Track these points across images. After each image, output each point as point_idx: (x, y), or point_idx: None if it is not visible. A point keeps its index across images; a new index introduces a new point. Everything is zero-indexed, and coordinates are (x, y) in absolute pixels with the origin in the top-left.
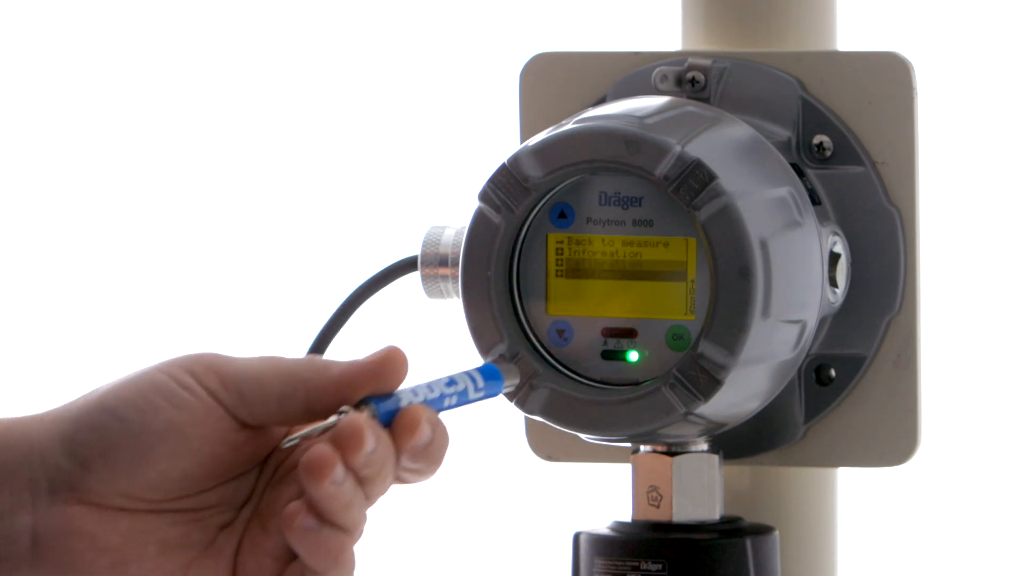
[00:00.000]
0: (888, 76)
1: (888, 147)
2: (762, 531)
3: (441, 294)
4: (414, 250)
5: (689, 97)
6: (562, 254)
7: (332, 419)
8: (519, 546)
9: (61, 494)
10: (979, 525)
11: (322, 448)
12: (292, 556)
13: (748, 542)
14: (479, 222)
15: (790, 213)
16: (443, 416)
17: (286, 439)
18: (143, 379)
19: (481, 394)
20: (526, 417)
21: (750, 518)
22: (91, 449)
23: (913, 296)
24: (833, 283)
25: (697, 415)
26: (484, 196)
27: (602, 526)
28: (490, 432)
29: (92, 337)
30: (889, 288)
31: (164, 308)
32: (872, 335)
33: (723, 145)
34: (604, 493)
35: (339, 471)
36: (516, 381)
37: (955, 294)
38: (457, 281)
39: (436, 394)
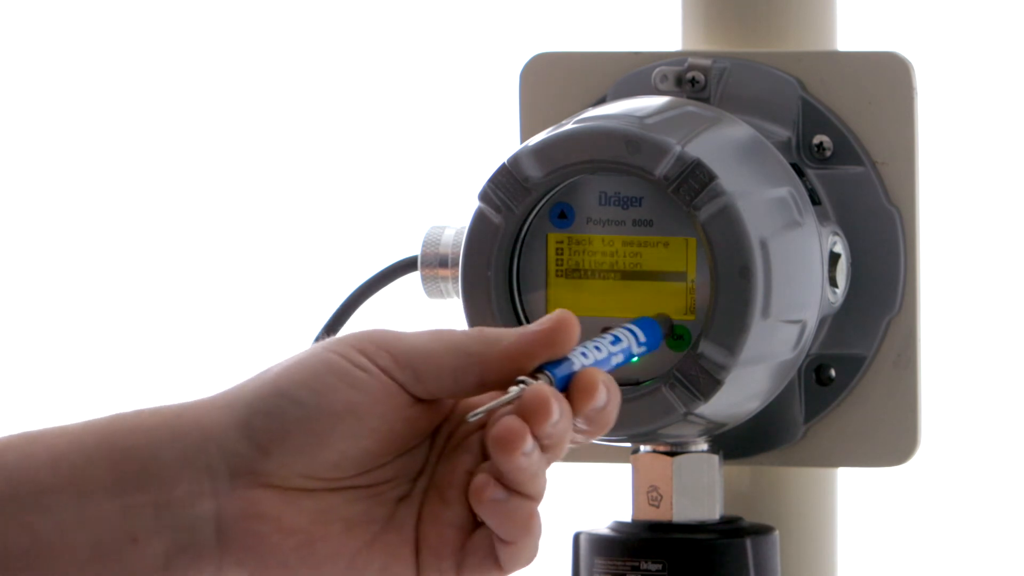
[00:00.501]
0: (888, 76)
1: (888, 147)
2: (762, 531)
3: (441, 294)
4: (414, 250)
5: (689, 97)
6: (562, 254)
7: (515, 391)
8: None
9: (242, 479)
10: (979, 525)
11: (511, 421)
12: (473, 526)
13: (748, 542)
14: (479, 222)
15: (790, 213)
16: None
17: (471, 414)
18: (316, 360)
19: (643, 349)
20: None
21: (750, 518)
22: (269, 434)
23: (913, 296)
24: (833, 283)
25: (697, 415)
26: (484, 196)
27: (602, 526)
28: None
29: (92, 337)
30: (889, 288)
31: (164, 308)
32: (872, 335)
33: (723, 145)
34: (604, 493)
35: (529, 443)
36: (671, 331)
37: (955, 294)
38: (457, 281)
39: (604, 354)
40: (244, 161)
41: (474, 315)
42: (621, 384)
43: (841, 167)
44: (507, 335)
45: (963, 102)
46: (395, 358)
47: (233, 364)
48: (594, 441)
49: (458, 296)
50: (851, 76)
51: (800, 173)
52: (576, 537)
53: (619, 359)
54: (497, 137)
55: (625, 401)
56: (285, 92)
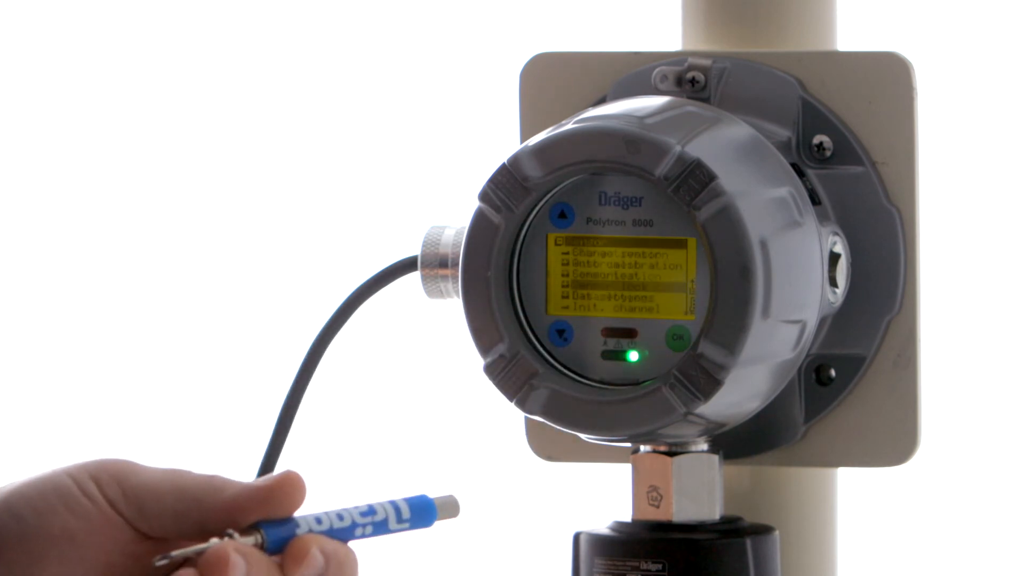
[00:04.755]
0: (888, 76)
1: (888, 147)
2: (762, 531)
3: (441, 294)
4: (414, 250)
5: (689, 97)
6: (562, 254)
7: (210, 543)
8: (519, 546)
9: None
10: (979, 525)
11: (185, 574)
12: None
13: (748, 542)
14: (479, 222)
15: (790, 213)
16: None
17: (156, 558)
18: (48, 481)
19: (405, 526)
20: (526, 417)
21: (750, 518)
22: None
23: (913, 296)
24: (833, 283)
25: (697, 415)
26: (484, 196)
27: (602, 526)
28: (490, 432)
29: (92, 337)
30: (889, 288)
31: (164, 308)
32: (872, 335)
33: (723, 145)
34: (604, 493)
35: None
36: (455, 514)
37: (955, 294)
38: (457, 281)
39: (346, 523)
40: (244, 161)
41: (474, 315)
42: (621, 384)
43: (841, 167)
44: (232, 486)
45: (963, 102)
46: (124, 491)
47: (233, 364)
48: (594, 441)
49: (458, 296)
50: (851, 76)
51: (800, 173)
52: (576, 537)
53: (367, 531)
54: (497, 137)
55: (625, 401)
56: (285, 92)
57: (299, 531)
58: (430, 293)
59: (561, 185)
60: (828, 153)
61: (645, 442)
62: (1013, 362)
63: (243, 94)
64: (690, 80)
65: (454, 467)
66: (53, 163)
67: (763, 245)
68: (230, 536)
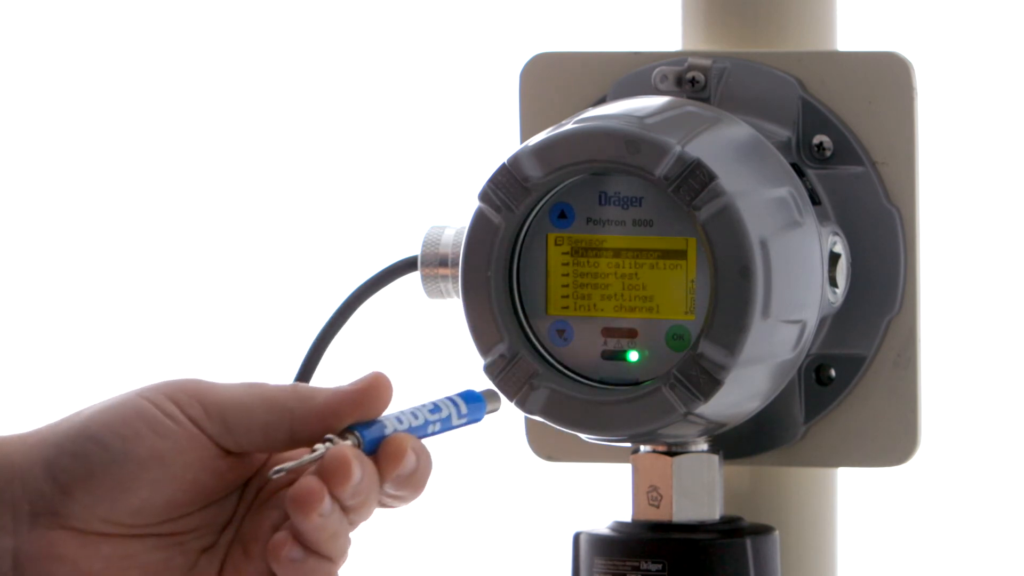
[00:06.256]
0: (888, 76)
1: (888, 147)
2: (762, 531)
3: (441, 294)
4: (414, 250)
5: (689, 97)
6: (562, 254)
7: (319, 451)
8: (519, 546)
9: (43, 519)
10: (979, 525)
11: (310, 481)
12: None
13: (748, 542)
14: (479, 222)
15: (790, 213)
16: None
17: (273, 470)
18: (126, 405)
19: (464, 420)
20: (526, 417)
21: (750, 518)
22: (72, 475)
23: (913, 296)
24: (833, 283)
25: (697, 415)
26: (484, 196)
27: (602, 526)
28: (490, 432)
29: (92, 336)
30: (889, 288)
31: (164, 308)
32: (872, 335)
33: (723, 145)
34: (604, 493)
35: (327, 504)
36: (498, 406)
37: (955, 294)
38: (457, 281)
39: (420, 421)
40: (244, 161)
41: (474, 315)
42: (621, 384)
43: (841, 167)
44: (321, 392)
45: (963, 102)
46: (206, 409)
47: (234, 364)
48: (594, 441)
49: (458, 296)
50: (851, 76)
51: (800, 173)
52: (576, 537)
53: (436, 428)
54: (497, 137)
55: (625, 401)
56: (285, 92)
57: (387, 432)
58: (430, 293)
59: (561, 185)
60: (828, 153)
61: (645, 442)
62: (1013, 362)
63: (243, 94)
64: (690, 80)
65: (454, 467)
66: (53, 163)
67: (763, 245)
68: (330, 441)
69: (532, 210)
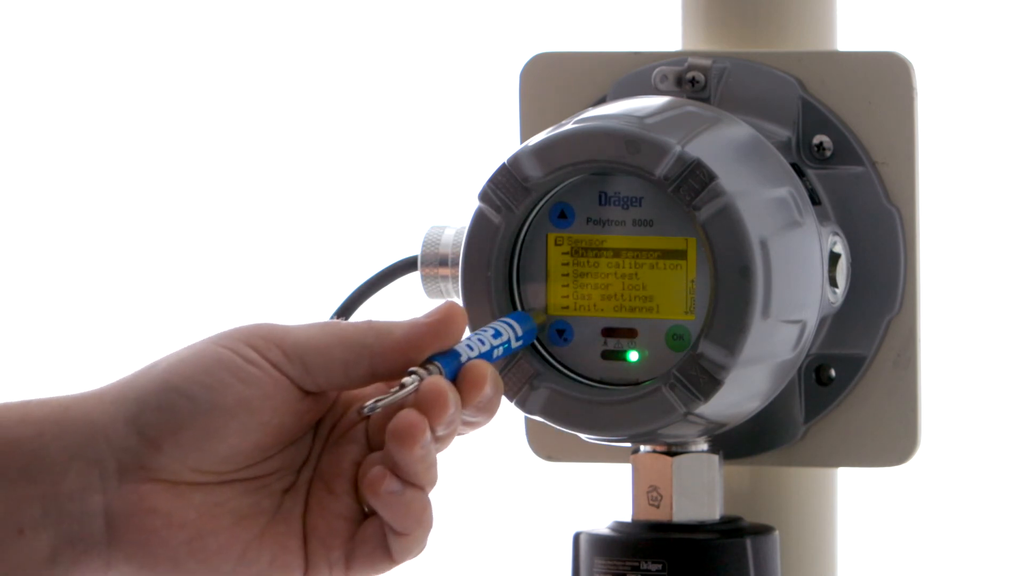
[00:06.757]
0: (888, 76)
1: (888, 147)
2: (762, 531)
3: (441, 294)
4: (414, 250)
5: (689, 97)
6: (562, 254)
7: (410, 384)
8: (519, 546)
9: (131, 473)
10: (979, 525)
11: (411, 415)
12: (362, 516)
13: (748, 542)
14: (479, 222)
15: (790, 213)
16: None
17: (367, 406)
18: (205, 355)
19: (521, 343)
20: (526, 417)
21: (750, 518)
22: (160, 429)
23: (913, 296)
24: (833, 283)
25: (697, 415)
26: (484, 196)
27: (602, 526)
28: (490, 432)
29: (92, 336)
30: (889, 288)
31: (163, 309)
32: (872, 335)
33: (723, 145)
34: (604, 493)
35: (428, 435)
36: (543, 319)
37: (955, 294)
38: (457, 281)
39: (487, 347)
40: (245, 161)
41: (474, 315)
42: (621, 384)
43: (841, 167)
44: (399, 326)
45: (963, 102)
46: (285, 352)
47: None
48: (594, 441)
49: (458, 296)
50: (851, 76)
51: (800, 173)
52: (576, 537)
53: (499, 352)
54: (497, 137)
55: (625, 401)
56: (286, 92)
57: (463, 360)
58: (430, 293)
59: (561, 185)
60: (828, 153)
61: (645, 442)
62: (1013, 362)
63: (244, 95)
64: (690, 80)
65: (454, 467)
66: (53, 163)
67: (763, 245)
68: (417, 375)
69: (532, 210)
